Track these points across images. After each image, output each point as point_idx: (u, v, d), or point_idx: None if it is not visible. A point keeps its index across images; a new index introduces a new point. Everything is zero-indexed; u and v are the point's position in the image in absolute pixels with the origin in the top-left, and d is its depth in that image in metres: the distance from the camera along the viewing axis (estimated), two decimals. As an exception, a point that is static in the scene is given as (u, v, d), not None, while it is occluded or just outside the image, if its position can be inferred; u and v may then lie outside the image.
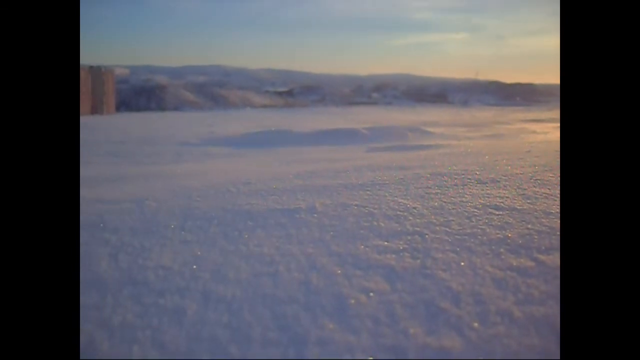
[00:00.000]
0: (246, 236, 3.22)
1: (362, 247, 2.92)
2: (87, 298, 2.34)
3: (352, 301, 2.23)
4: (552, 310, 2.11)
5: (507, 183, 4.67)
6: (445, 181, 4.86)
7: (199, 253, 2.94)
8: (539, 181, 4.69)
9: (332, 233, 3.20)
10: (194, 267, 2.71)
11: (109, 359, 1.83)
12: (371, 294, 2.29)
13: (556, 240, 2.93)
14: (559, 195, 4.04)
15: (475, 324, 2.01)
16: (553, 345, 1.85)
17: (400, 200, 4.05)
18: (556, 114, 37.27)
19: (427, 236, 3.07)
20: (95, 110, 65.86)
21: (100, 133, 24.71)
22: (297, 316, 2.11)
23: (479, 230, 3.16)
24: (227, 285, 2.45)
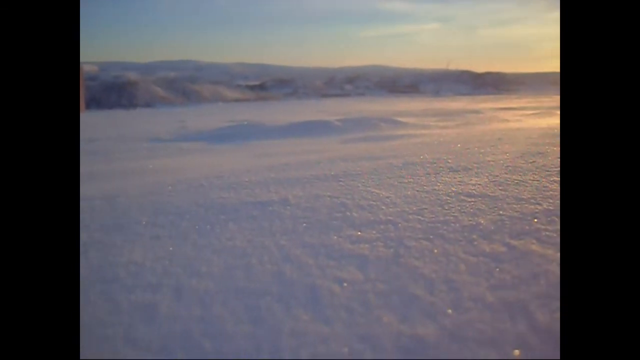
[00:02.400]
0: (218, 230, 3.19)
1: (335, 237, 2.91)
2: (56, 297, 2.30)
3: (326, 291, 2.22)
4: (525, 294, 2.12)
5: (479, 170, 4.70)
6: (417, 170, 4.88)
7: (170, 248, 2.91)
8: (510, 168, 4.73)
9: (305, 224, 3.18)
10: (166, 262, 2.68)
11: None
12: (345, 284, 2.28)
13: (528, 225, 2.95)
14: (530, 182, 4.07)
15: (449, 311, 2.01)
16: (525, 329, 1.86)
17: (373, 190, 4.05)
18: (526, 102, 37.62)
19: (400, 225, 3.07)
20: (65, 108, 64.59)
21: (70, 131, 24.26)
22: (271, 308, 2.09)
23: (451, 218, 3.17)
24: (200, 280, 2.42)
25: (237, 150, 10.54)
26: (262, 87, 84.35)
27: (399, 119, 18.62)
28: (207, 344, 1.86)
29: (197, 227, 3.29)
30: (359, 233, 2.96)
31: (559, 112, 20.64)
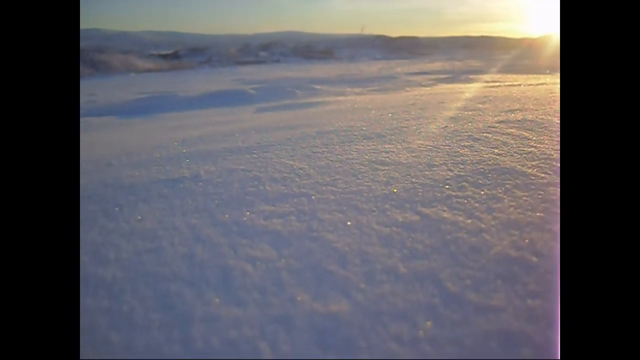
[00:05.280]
0: (127, 212, 3.07)
1: (248, 213, 2.85)
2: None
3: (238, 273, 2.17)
4: (435, 263, 2.14)
5: (392, 137, 4.73)
6: (331, 139, 4.86)
7: (76, 234, 2.77)
8: (422, 134, 4.78)
9: (217, 201, 3.11)
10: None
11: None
12: (257, 263, 2.23)
13: (439, 193, 2.99)
14: (442, 147, 4.13)
15: (362, 285, 2.01)
16: (436, 300, 1.88)
17: (286, 161, 4.01)
18: (439, 66, 38.33)
19: (313, 197, 3.05)
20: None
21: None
22: (181, 293, 2.03)
23: (364, 187, 3.17)
24: (107, 267, 2.32)
25: (149, 124, 10.24)
26: (175, 56, 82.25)
27: (315, 85, 18.59)
28: (114, 337, 1.79)
29: (105, 210, 3.15)
30: (272, 207, 2.91)
31: (470, 76, 21.12)
